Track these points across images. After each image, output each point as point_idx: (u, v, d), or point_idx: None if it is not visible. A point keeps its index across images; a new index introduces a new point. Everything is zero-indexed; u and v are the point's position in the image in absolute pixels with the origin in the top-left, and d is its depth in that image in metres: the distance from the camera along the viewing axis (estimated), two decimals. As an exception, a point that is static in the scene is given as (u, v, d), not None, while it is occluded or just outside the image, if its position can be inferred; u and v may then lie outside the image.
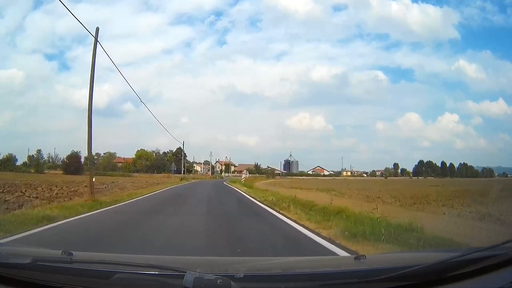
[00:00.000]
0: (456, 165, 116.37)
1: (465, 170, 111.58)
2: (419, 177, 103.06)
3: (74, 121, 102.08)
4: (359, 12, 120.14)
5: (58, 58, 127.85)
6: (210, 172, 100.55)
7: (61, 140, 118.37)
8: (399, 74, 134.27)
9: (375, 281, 1.53)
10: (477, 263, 1.61)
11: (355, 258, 1.93)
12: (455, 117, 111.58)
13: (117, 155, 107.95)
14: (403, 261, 2.13)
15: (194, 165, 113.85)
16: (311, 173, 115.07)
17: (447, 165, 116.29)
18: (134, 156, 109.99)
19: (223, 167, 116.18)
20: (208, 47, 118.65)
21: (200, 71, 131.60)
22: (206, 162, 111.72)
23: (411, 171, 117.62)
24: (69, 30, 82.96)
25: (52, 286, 1.56)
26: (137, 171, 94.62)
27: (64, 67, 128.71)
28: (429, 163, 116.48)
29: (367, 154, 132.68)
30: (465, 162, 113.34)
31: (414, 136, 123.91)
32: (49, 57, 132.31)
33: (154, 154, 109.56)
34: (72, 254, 1.80)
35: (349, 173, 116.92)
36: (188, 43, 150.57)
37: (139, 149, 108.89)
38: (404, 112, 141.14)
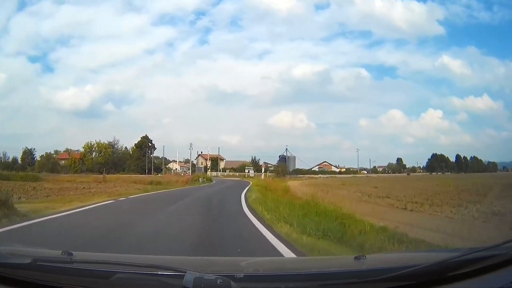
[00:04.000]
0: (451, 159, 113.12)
1: (476, 164, 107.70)
2: (438, 173, 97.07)
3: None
4: (342, 9, 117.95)
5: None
6: (189, 171, 70.87)
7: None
8: (382, 71, 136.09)
9: (375, 281, 1.51)
10: (477, 263, 1.59)
11: (355, 258, 1.88)
12: (439, 113, 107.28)
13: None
14: (403, 261, 2.10)
15: (173, 163, 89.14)
16: (317, 169, 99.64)
17: (462, 158, 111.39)
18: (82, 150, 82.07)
19: (209, 163, 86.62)
20: (190, 47, 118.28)
21: (182, 70, 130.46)
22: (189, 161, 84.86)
23: (416, 166, 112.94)
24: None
25: (52, 286, 1.55)
26: (89, 170, 72.31)
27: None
28: (442, 157, 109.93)
29: (352, 152, 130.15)
30: (476, 156, 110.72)
31: (398, 133, 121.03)
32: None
33: (110, 147, 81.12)
34: (72, 254, 1.77)
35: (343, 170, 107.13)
36: (171, 43, 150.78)
37: (89, 141, 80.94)
38: (387, 109, 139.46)
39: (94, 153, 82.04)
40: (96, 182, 33.02)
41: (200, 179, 47.74)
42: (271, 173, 65.62)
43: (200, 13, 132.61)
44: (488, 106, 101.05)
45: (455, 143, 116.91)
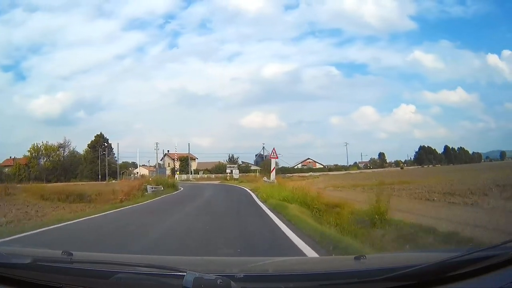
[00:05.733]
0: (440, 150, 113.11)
1: (464, 155, 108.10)
2: (429, 165, 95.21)
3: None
4: (312, 8, 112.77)
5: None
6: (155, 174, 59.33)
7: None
8: (353, 68, 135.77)
9: (375, 281, 1.50)
10: (477, 263, 1.58)
11: (355, 258, 1.86)
12: (412, 108, 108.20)
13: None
14: (403, 261, 2.09)
15: (140, 168, 76.92)
16: (300, 167, 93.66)
17: (450, 150, 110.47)
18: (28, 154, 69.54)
19: (178, 164, 73.51)
20: (160, 51, 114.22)
21: (152, 74, 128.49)
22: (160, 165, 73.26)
23: (399, 160, 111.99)
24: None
25: (52, 286, 1.54)
26: (37, 178, 58.06)
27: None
28: (429, 149, 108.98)
29: (326, 149, 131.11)
30: (462, 147, 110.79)
31: (371, 129, 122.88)
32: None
33: (60, 150, 68.80)
34: (72, 254, 1.76)
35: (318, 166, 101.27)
36: (141, 48, 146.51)
37: (35, 143, 68.40)
38: (359, 105, 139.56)
39: (42, 158, 69.43)
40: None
41: (149, 187, 25.68)
42: (259, 174, 52.45)
43: (169, 17, 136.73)
44: (462, 98, 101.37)
45: (430, 136, 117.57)
